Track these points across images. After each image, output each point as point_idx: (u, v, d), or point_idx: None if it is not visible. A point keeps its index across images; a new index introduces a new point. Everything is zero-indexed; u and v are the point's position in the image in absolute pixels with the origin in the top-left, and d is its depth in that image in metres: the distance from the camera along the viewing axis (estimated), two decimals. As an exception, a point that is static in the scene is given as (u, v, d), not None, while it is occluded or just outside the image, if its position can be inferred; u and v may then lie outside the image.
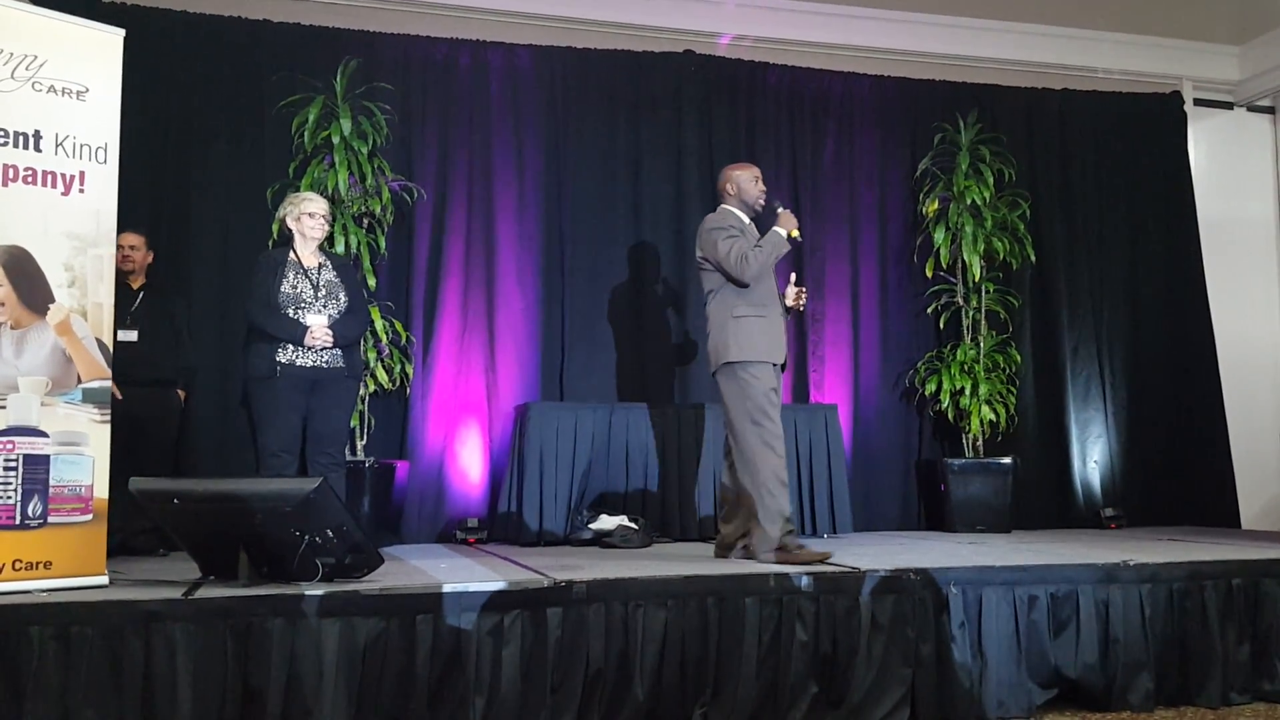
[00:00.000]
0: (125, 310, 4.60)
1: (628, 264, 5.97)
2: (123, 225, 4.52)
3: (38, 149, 3.21)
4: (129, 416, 4.45)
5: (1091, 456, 6.48)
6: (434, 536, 5.45)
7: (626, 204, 6.02)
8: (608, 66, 6.07)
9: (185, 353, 4.84)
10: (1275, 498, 6.88)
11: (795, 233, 4.14)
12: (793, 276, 4.37)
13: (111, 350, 3.35)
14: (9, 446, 3.07)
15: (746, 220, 4.22)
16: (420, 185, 5.63)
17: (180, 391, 4.83)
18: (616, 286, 5.93)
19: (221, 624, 2.87)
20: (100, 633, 2.78)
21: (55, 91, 3.25)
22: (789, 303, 4.26)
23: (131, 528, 4.36)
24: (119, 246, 4.58)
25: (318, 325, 4.16)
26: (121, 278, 4.65)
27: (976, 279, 6.18)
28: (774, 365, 4.08)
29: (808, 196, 6.28)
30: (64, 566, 3.12)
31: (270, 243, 5.07)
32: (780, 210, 4.19)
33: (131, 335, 4.58)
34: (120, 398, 3.96)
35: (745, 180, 4.21)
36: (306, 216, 4.29)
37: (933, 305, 6.33)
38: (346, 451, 4.82)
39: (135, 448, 4.48)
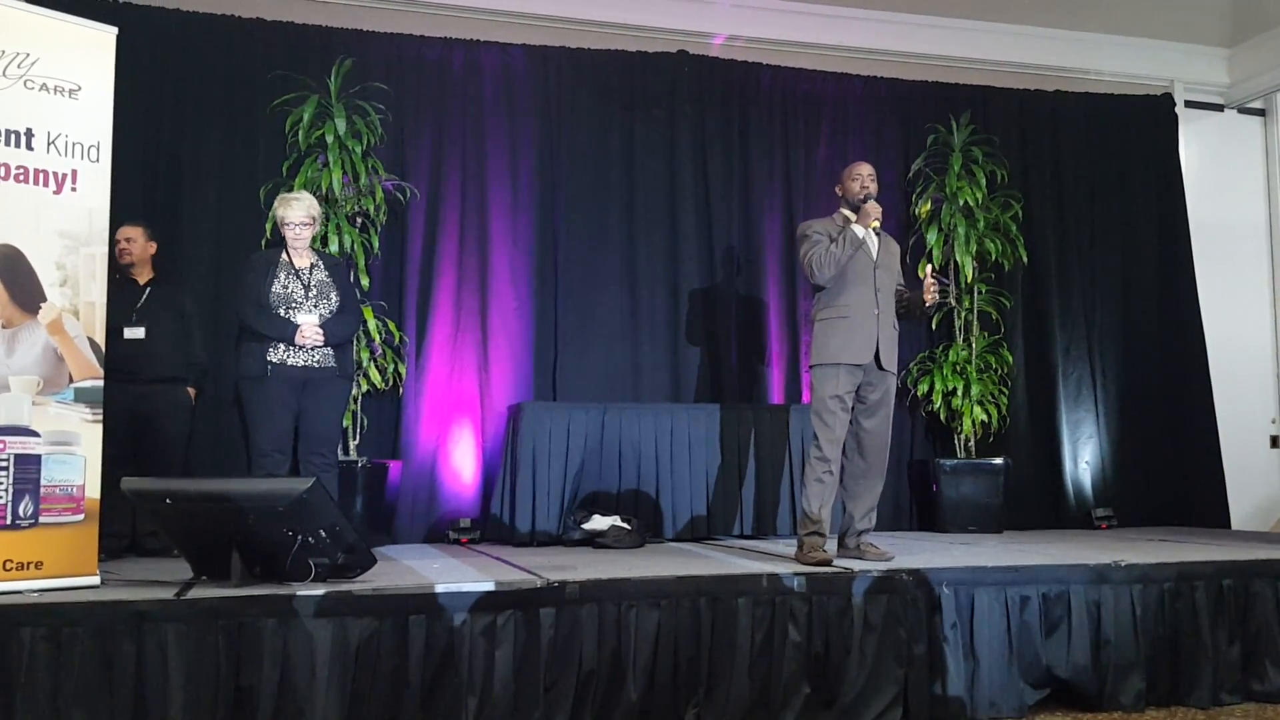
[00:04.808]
0: (131, 306, 4.48)
1: (621, 263, 5.97)
2: (120, 220, 4.54)
3: (29, 147, 3.20)
4: (137, 415, 4.40)
5: (1083, 457, 6.50)
6: (426, 536, 5.43)
7: (620, 204, 6.02)
8: (601, 66, 6.07)
9: (194, 348, 4.69)
10: (1265, 498, 6.91)
11: (876, 224, 4.13)
12: (928, 268, 4.26)
13: (106, 348, 3.34)
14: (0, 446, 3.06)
15: (855, 218, 4.19)
16: (414, 185, 5.62)
17: (190, 389, 4.69)
18: (610, 286, 5.93)
19: (214, 624, 2.86)
20: (91, 633, 2.77)
21: (47, 89, 3.24)
22: (924, 296, 4.12)
23: (142, 528, 4.30)
24: (116, 240, 4.54)
25: (308, 324, 4.15)
26: (126, 273, 4.57)
27: (969, 280, 6.20)
28: (848, 366, 4.03)
29: (800, 197, 6.28)
30: (55, 567, 3.11)
31: (264, 242, 5.06)
32: (864, 204, 4.12)
33: (138, 332, 4.43)
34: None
35: (847, 179, 4.24)
36: (286, 227, 4.26)
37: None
38: (339, 451, 4.82)
39: (144, 448, 4.44)
